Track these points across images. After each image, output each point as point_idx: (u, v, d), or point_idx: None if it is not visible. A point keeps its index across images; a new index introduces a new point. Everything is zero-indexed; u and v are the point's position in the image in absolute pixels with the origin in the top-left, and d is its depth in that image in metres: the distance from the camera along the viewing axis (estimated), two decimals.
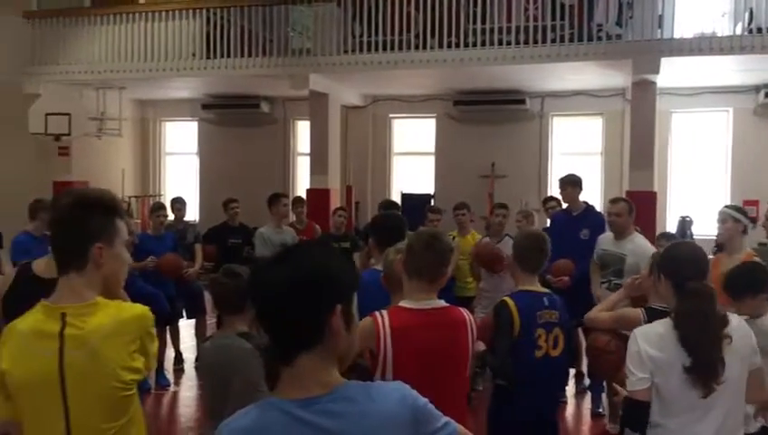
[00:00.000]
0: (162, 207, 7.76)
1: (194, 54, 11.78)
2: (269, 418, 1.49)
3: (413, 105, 13.44)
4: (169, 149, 15.40)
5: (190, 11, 11.81)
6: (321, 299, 1.50)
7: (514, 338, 3.40)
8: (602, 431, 5.96)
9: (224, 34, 11.51)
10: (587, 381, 6.78)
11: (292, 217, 8.36)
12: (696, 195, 12.17)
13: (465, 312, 2.89)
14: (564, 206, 7.13)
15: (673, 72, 10.21)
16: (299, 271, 1.51)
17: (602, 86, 11.97)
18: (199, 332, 7.85)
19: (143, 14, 11.99)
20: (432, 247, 2.81)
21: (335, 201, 11.51)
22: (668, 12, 10.01)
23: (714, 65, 10.27)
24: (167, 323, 7.15)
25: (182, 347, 7.83)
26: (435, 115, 13.41)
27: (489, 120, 12.78)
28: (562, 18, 10.18)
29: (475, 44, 10.43)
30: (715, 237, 10.11)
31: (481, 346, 3.45)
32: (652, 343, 2.64)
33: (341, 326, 1.52)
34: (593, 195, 10.66)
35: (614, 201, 5.93)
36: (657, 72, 9.83)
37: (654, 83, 10.28)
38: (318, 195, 11.52)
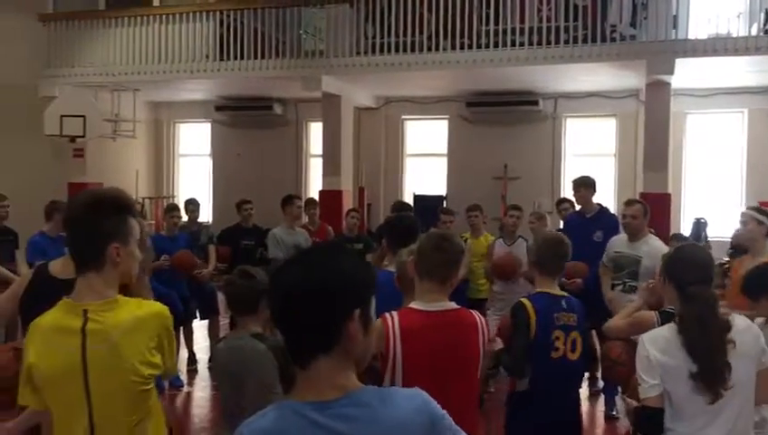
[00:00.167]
0: (175, 208, 7.80)
1: (207, 56, 11.84)
2: (286, 420, 1.50)
3: (426, 106, 13.43)
4: (183, 150, 15.48)
5: (203, 13, 11.88)
6: (338, 304, 1.50)
7: (531, 339, 3.41)
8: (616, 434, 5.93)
9: (237, 36, 11.55)
10: (600, 384, 6.75)
11: (305, 219, 8.38)
12: (710, 197, 12.08)
13: (476, 314, 2.88)
14: (578, 207, 7.11)
15: (687, 73, 10.14)
16: (317, 275, 1.51)
17: (616, 87, 11.91)
18: (212, 332, 7.88)
19: (157, 16, 12.06)
20: (442, 249, 2.81)
21: (347, 203, 11.53)
22: (683, 12, 9.95)
23: (729, 66, 10.19)
24: (180, 323, 7.18)
25: (195, 348, 7.86)
26: (447, 116, 13.40)
27: (502, 121, 12.75)
28: (576, 19, 10.14)
29: (487, 46, 10.41)
30: (729, 239, 10.15)
31: (497, 345, 3.46)
32: (660, 347, 2.63)
33: (359, 331, 1.52)
34: (606, 197, 10.59)
35: (629, 203, 5.92)
36: (671, 72, 9.76)
37: (668, 84, 10.21)
38: (330, 196, 11.53)
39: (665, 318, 3.16)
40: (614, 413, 6.26)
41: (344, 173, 12.04)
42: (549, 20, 10.23)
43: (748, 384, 2.66)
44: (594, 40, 9.97)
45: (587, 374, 6.59)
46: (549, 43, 10.10)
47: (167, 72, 11.94)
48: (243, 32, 11.56)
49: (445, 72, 10.90)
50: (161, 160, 15.22)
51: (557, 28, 10.14)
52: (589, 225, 6.60)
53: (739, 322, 2.70)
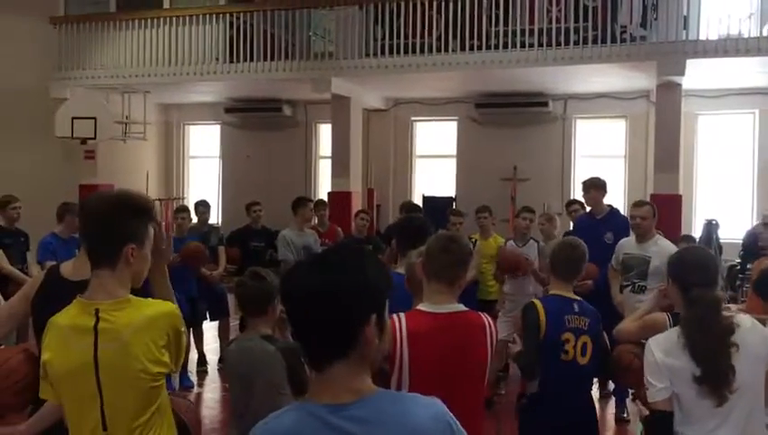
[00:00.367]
0: (185, 209, 7.84)
1: (217, 59, 11.88)
2: (301, 421, 1.50)
3: (435, 108, 13.42)
4: (193, 152, 15.53)
5: (213, 16, 11.92)
6: (357, 309, 1.50)
7: (540, 339, 3.42)
8: None
9: (246, 39, 11.58)
10: (611, 386, 6.72)
11: (315, 220, 8.39)
12: (722, 198, 12.01)
13: (484, 316, 2.86)
14: (588, 209, 7.08)
15: (698, 74, 10.09)
16: (338, 280, 1.50)
17: (626, 88, 11.86)
18: (223, 334, 7.89)
19: (167, 18, 12.11)
20: (449, 250, 2.80)
21: (357, 204, 11.53)
22: (693, 13, 9.89)
23: (740, 67, 10.13)
24: (190, 325, 7.20)
25: (205, 349, 7.88)
26: (457, 118, 13.38)
27: (511, 122, 12.72)
28: (585, 20, 10.11)
29: (497, 47, 10.40)
30: (741, 241, 10.08)
31: (518, 347, 3.46)
32: (666, 351, 2.62)
33: (376, 335, 1.52)
34: (617, 198, 10.55)
35: (638, 204, 5.94)
36: (682, 73, 9.72)
37: (679, 85, 10.16)
38: (339, 198, 11.54)
39: (677, 320, 3.15)
40: (625, 416, 6.23)
41: (353, 174, 12.05)
42: (558, 21, 10.21)
43: (756, 385, 2.64)
44: (604, 41, 9.93)
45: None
46: (559, 44, 10.07)
47: (177, 74, 11.99)
48: (252, 34, 11.59)
49: (454, 73, 10.89)
50: (171, 162, 15.28)
51: (567, 29, 10.11)
52: (599, 226, 6.57)
53: (745, 322, 2.68)
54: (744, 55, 9.50)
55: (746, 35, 9.79)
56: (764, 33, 9.71)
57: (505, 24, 10.41)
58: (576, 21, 10.14)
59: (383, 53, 10.97)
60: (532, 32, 10.26)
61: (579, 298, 3.62)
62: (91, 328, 2.15)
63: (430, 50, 10.63)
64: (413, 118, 13.86)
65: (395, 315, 2.75)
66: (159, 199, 14.29)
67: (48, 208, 6.96)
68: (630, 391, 5.81)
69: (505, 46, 10.35)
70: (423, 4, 10.70)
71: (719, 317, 2.61)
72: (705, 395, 2.55)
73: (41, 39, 12.46)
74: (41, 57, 12.48)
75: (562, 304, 3.50)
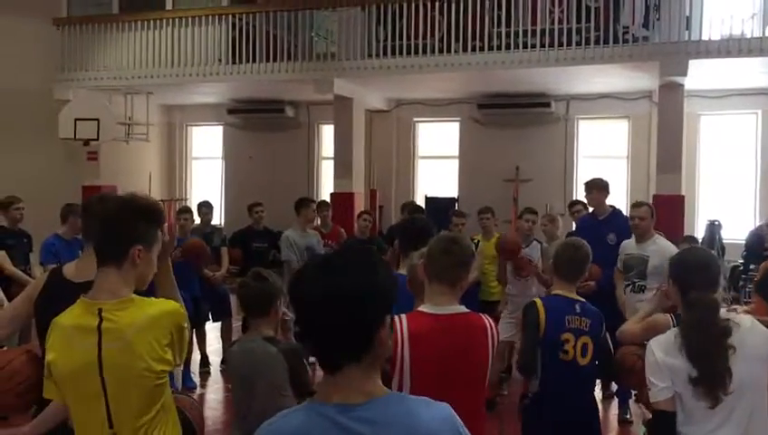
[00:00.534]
0: (188, 210, 7.85)
1: (219, 60, 11.89)
2: (310, 421, 1.51)
3: (437, 109, 13.42)
4: (195, 153, 15.55)
5: (216, 17, 11.94)
6: (373, 312, 1.50)
7: (540, 338, 3.45)
8: None
9: (249, 40, 11.59)
10: (614, 387, 6.71)
11: (318, 221, 8.39)
12: (724, 199, 11.99)
13: (485, 318, 2.86)
14: (590, 210, 7.09)
15: (701, 75, 10.08)
16: (353, 282, 1.49)
17: (629, 89, 11.86)
18: (225, 335, 7.90)
19: (170, 20, 12.13)
20: (451, 252, 2.79)
21: (359, 205, 11.54)
22: (696, 13, 9.88)
23: (742, 67, 10.12)
24: (193, 325, 7.20)
25: (208, 350, 7.89)
26: (459, 119, 13.38)
27: (514, 123, 12.72)
28: (588, 20, 10.11)
29: (499, 48, 10.39)
30: (744, 241, 10.06)
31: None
32: (667, 351, 2.62)
33: (388, 337, 1.53)
34: (619, 199, 10.55)
35: (637, 205, 6.04)
36: (684, 74, 9.71)
37: (681, 86, 10.15)
38: (342, 199, 11.55)
39: (680, 321, 3.15)
40: (628, 417, 6.23)
41: (356, 175, 12.06)
42: (561, 21, 10.21)
43: (758, 385, 2.64)
44: (606, 41, 9.93)
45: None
46: (561, 44, 10.07)
47: (179, 75, 12.01)
48: (255, 35, 11.60)
49: (456, 74, 10.89)
50: (174, 163, 15.29)
51: (569, 30, 10.11)
52: (601, 227, 6.58)
53: (745, 322, 2.68)
54: (746, 56, 9.49)
55: (749, 36, 9.77)
56: (767, 34, 9.69)
57: (508, 24, 10.40)
58: (578, 21, 10.13)
59: (386, 53, 10.98)
60: (534, 32, 10.26)
61: (582, 299, 3.63)
62: (95, 328, 2.17)
63: (433, 51, 10.64)
64: (415, 119, 13.86)
65: (396, 317, 2.75)
66: (162, 200, 14.32)
67: (51, 209, 6.97)
68: (633, 392, 5.82)
69: (508, 47, 10.34)
70: (425, 6, 10.70)
71: (716, 319, 2.61)
72: (699, 396, 2.56)
73: (44, 40, 12.48)
74: (44, 58, 12.50)
75: (564, 304, 3.51)
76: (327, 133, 13.83)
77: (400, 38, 10.86)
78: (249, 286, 3.31)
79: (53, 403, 2.37)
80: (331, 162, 12.63)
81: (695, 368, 2.55)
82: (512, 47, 10.32)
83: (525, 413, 3.65)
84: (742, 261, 10.04)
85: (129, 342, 2.15)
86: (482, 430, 2.82)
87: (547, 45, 10.14)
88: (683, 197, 10.32)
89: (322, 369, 1.54)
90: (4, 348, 3.14)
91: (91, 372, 2.17)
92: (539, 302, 3.56)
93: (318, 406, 1.52)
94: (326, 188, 13.76)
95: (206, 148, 15.35)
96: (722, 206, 11.80)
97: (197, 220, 8.13)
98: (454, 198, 12.86)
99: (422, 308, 2.81)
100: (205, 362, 7.80)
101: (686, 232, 9.99)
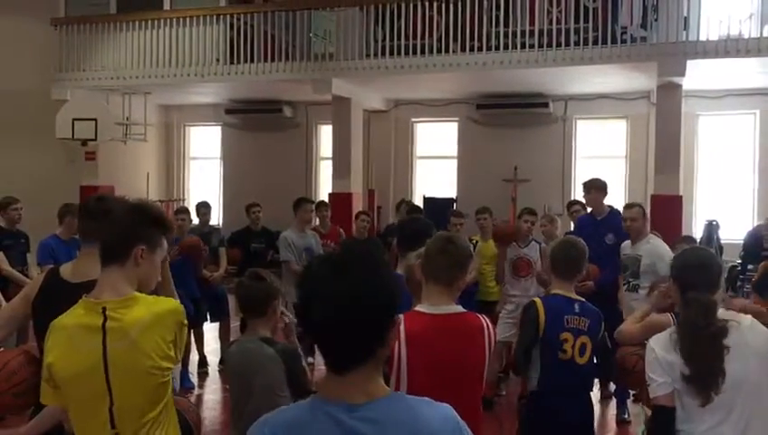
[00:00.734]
0: (185, 210, 7.84)
1: (217, 60, 11.88)
2: (312, 417, 1.51)
3: (435, 109, 13.42)
4: (193, 153, 15.53)
5: (214, 17, 11.92)
6: (385, 313, 1.51)
7: (539, 337, 3.47)
8: None
9: (247, 40, 11.59)
10: (612, 387, 6.71)
11: (316, 221, 8.39)
12: (722, 199, 12.00)
13: (482, 318, 2.86)
14: (588, 210, 7.10)
15: (699, 75, 10.09)
16: (365, 284, 1.49)
17: (627, 89, 11.86)
18: (223, 335, 7.89)
19: (168, 20, 12.11)
20: (447, 252, 2.79)
21: (357, 205, 11.53)
22: (694, 14, 9.89)
23: (740, 68, 10.13)
24: (192, 325, 7.18)
25: (206, 350, 7.88)
26: (457, 119, 13.38)
27: (512, 123, 12.72)
28: (586, 21, 10.11)
29: (497, 48, 10.39)
30: (742, 241, 10.08)
31: None
32: (667, 348, 2.63)
33: (394, 338, 1.54)
34: (617, 199, 10.55)
35: (628, 206, 6.15)
36: (682, 74, 9.72)
37: (679, 86, 10.16)
38: (340, 199, 11.54)
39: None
40: (626, 417, 6.23)
41: (354, 176, 12.06)
42: (559, 22, 10.21)
43: (757, 383, 2.63)
44: (605, 42, 9.93)
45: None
46: (559, 45, 10.07)
47: (177, 75, 12.00)
48: (253, 35, 11.59)
49: (454, 74, 10.89)
50: (172, 163, 15.28)
51: (567, 30, 10.11)
52: (600, 227, 6.60)
53: (744, 321, 2.68)
54: (744, 56, 9.50)
55: (747, 36, 9.78)
56: (765, 34, 9.70)
57: (506, 25, 10.40)
58: (576, 22, 10.14)
59: (384, 54, 10.97)
60: (532, 33, 10.26)
61: (581, 299, 3.63)
62: (100, 327, 2.18)
63: (431, 51, 10.64)
64: (414, 119, 13.86)
65: None
66: (160, 201, 14.31)
67: (49, 210, 6.96)
68: (632, 393, 5.83)
69: (506, 47, 10.34)
70: (423, 6, 10.70)
71: (712, 320, 2.61)
72: (691, 394, 2.57)
73: (41, 40, 12.47)
74: (41, 58, 12.49)
75: (563, 303, 3.53)
76: (325, 133, 13.83)
77: (398, 38, 10.86)
78: (247, 287, 3.30)
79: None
80: (330, 162, 12.62)
81: (687, 366, 2.56)
82: (510, 47, 10.32)
83: (523, 411, 3.66)
84: (739, 261, 10.05)
85: (135, 340, 2.17)
86: (479, 429, 2.82)
87: (545, 45, 10.14)
88: (681, 197, 10.32)
89: (330, 369, 1.53)
90: (2, 349, 3.13)
91: (96, 372, 2.17)
92: (539, 301, 3.58)
93: (322, 404, 1.52)
94: (324, 188, 13.76)
95: (204, 148, 15.34)
96: (720, 206, 11.81)
97: (196, 220, 8.13)
98: (452, 199, 12.86)
99: (419, 308, 2.81)
100: (203, 362, 7.79)
101: (684, 232, 9.99)
